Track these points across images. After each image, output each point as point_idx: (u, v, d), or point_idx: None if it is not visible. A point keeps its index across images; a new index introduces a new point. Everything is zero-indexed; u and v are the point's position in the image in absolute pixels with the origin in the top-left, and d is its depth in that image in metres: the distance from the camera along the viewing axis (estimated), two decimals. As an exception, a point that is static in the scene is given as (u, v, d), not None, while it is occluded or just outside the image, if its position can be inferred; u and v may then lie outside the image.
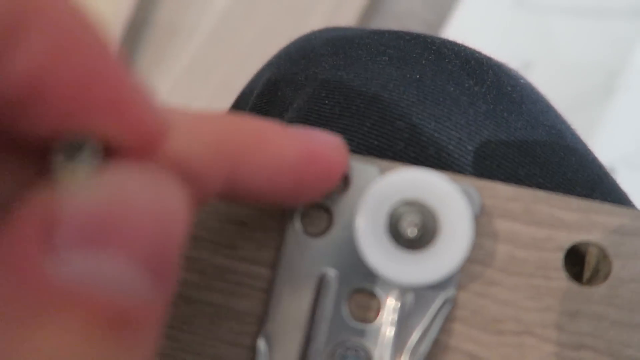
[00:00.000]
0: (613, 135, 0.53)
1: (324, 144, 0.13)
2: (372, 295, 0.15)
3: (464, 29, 0.61)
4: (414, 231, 0.14)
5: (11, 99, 0.08)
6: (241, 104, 0.26)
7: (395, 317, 0.15)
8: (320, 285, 0.15)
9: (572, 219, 0.15)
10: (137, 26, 0.69)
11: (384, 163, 0.16)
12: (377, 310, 0.15)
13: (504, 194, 0.16)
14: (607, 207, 0.15)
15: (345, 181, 0.16)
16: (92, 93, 0.08)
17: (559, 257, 0.15)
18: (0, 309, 0.07)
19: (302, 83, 0.22)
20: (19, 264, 0.07)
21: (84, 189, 0.08)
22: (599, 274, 0.16)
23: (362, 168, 0.16)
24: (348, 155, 0.14)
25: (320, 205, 0.16)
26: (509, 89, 0.21)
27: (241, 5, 0.69)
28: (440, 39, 0.23)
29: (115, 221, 0.08)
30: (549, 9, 0.59)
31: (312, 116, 0.21)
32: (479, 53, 0.23)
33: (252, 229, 0.16)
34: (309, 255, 0.15)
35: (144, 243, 0.08)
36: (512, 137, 0.20)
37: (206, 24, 0.69)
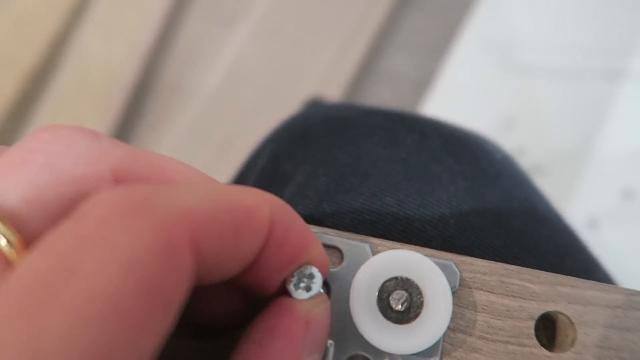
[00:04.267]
0: (595, 189, 0.56)
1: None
2: (366, 361, 0.17)
3: (451, 88, 0.64)
4: (401, 305, 0.16)
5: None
6: (247, 175, 0.28)
7: (387, 382, 0.16)
8: (320, 352, 0.17)
9: (540, 290, 0.17)
10: (141, 87, 0.73)
11: (375, 240, 0.18)
12: (371, 376, 0.17)
13: (481, 268, 0.18)
14: (571, 279, 0.17)
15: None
16: (296, 259, 0.14)
17: (531, 325, 0.17)
18: None
19: (301, 160, 0.24)
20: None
21: (314, 308, 0.15)
22: (567, 339, 0.17)
23: (355, 245, 0.18)
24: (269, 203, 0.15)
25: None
26: (485, 165, 0.24)
27: (241, 68, 0.73)
28: (424, 118, 0.26)
29: (326, 330, 0.15)
30: (531, 71, 0.63)
31: (310, 192, 0.23)
32: (459, 131, 0.25)
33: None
34: (309, 325, 0.17)
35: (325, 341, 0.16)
36: (489, 210, 0.22)
37: (208, 85, 0.72)
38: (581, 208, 0.52)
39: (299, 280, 0.15)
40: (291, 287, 0.15)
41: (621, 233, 0.52)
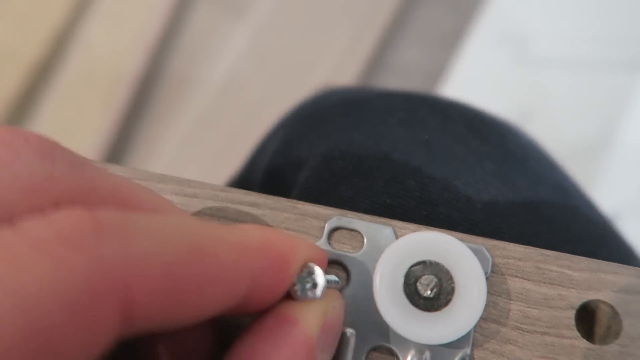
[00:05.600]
0: (615, 183, 0.54)
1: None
2: (390, 352, 0.16)
3: (465, 81, 0.63)
4: (430, 291, 0.15)
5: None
6: (257, 161, 0.27)
7: (414, 376, 0.15)
8: (339, 343, 0.16)
9: (581, 277, 0.16)
10: (147, 80, 0.72)
11: (398, 223, 0.17)
12: (396, 369, 0.15)
13: (515, 253, 0.16)
14: (614, 266, 0.16)
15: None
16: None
17: (571, 315, 0.16)
18: None
19: (316, 143, 0.23)
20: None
21: (327, 308, 0.14)
22: (610, 331, 0.16)
23: (377, 228, 0.17)
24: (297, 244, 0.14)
25: (338, 263, 0.16)
26: (513, 147, 0.22)
27: (249, 59, 0.72)
28: (445, 99, 0.24)
29: (338, 330, 0.14)
30: (547, 62, 0.62)
31: (325, 174, 0.21)
32: (483, 113, 0.24)
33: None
34: (327, 314, 0.16)
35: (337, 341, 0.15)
36: (518, 195, 0.20)
37: (215, 78, 0.71)
38: (601, 202, 0.51)
39: (303, 286, 0.13)
40: (298, 295, 0.13)
41: (643, 228, 0.50)
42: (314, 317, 0.13)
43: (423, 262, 0.15)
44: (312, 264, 0.14)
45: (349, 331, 0.16)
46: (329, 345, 0.14)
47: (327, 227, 0.17)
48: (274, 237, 0.13)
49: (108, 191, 0.11)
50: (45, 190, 0.11)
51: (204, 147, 0.69)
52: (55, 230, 0.09)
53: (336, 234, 0.17)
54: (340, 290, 0.16)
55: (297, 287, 0.13)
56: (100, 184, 0.11)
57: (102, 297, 0.09)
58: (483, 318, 0.16)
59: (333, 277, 0.15)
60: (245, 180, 0.27)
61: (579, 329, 0.16)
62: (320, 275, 0.13)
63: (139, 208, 0.12)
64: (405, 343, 0.15)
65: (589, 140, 0.57)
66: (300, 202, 0.17)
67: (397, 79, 0.67)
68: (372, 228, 0.17)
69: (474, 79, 0.63)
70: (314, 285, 0.13)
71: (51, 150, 0.11)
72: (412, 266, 0.15)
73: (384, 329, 0.15)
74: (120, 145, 0.71)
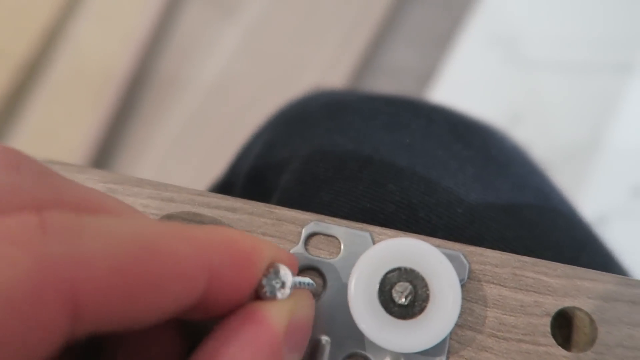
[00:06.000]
0: (604, 186, 0.55)
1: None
2: (365, 360, 0.15)
3: (455, 83, 0.63)
4: (405, 299, 0.15)
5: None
6: (240, 164, 0.26)
7: (388, 383, 0.15)
8: (314, 351, 0.15)
9: (557, 284, 0.16)
10: (137, 79, 0.71)
11: (376, 229, 0.17)
12: (370, 377, 0.15)
13: (492, 260, 0.16)
14: (591, 272, 0.16)
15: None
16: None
17: (547, 322, 0.15)
18: None
19: (298, 146, 0.23)
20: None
21: (295, 308, 0.13)
22: (587, 338, 0.16)
23: (354, 234, 0.16)
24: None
25: (314, 269, 0.16)
26: (496, 152, 0.22)
27: (240, 60, 0.71)
28: (429, 103, 0.24)
29: (307, 330, 0.14)
30: (538, 64, 0.62)
31: (307, 178, 0.21)
32: (467, 117, 0.24)
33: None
34: (303, 321, 0.16)
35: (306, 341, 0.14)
36: (500, 199, 0.20)
37: (205, 78, 0.71)
38: (589, 205, 0.51)
39: (271, 287, 0.13)
40: (267, 296, 0.13)
41: (631, 230, 0.50)
42: (280, 315, 0.13)
43: (399, 269, 0.15)
44: (278, 264, 0.13)
45: (324, 338, 0.15)
46: (297, 345, 0.13)
47: (304, 232, 0.17)
48: (235, 236, 0.12)
49: (75, 202, 0.11)
50: (9, 201, 0.10)
51: (194, 148, 0.69)
52: (1, 231, 0.09)
53: (313, 240, 0.17)
54: (317, 295, 0.16)
55: (266, 289, 0.13)
56: (67, 194, 0.11)
57: (47, 297, 0.09)
58: (459, 325, 0.15)
59: (307, 280, 0.15)
60: (227, 184, 0.27)
61: (555, 336, 0.16)
62: (287, 274, 0.13)
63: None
64: (381, 351, 0.15)
65: (578, 142, 0.57)
66: (278, 207, 0.17)
67: (388, 80, 0.67)
68: (349, 234, 0.16)
69: (465, 81, 0.63)
70: (282, 285, 0.13)
71: (16, 160, 0.11)
72: (387, 273, 0.15)
73: (359, 336, 0.15)
74: (108, 145, 0.70)
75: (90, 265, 0.09)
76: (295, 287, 0.14)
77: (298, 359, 0.14)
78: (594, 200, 0.53)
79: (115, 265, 0.10)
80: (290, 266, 0.14)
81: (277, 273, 0.13)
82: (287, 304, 0.13)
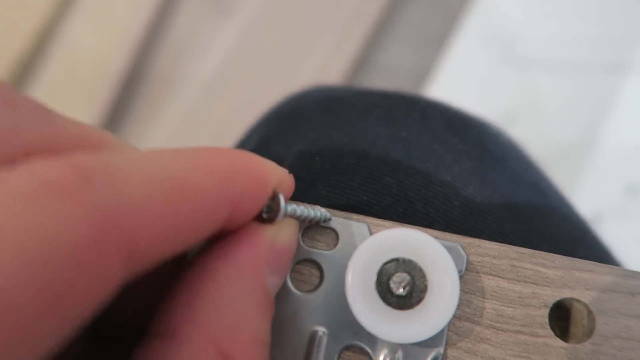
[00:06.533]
0: (598, 185, 0.55)
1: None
2: (362, 351, 0.15)
3: (450, 81, 0.63)
4: (403, 289, 0.14)
5: None
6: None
7: (386, 375, 0.15)
8: (311, 342, 0.15)
9: (555, 275, 0.16)
10: (131, 77, 0.71)
11: (373, 220, 0.17)
12: (368, 368, 0.15)
13: (490, 251, 0.16)
14: (589, 264, 0.16)
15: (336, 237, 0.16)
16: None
17: (545, 314, 0.15)
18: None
19: (293, 141, 0.23)
20: (255, 278, 0.12)
21: (279, 233, 0.14)
22: (585, 329, 0.16)
23: (352, 225, 0.16)
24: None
25: (311, 261, 0.16)
26: (492, 146, 0.22)
27: (235, 58, 0.71)
28: (425, 98, 0.24)
29: (289, 256, 0.14)
30: (533, 64, 0.62)
31: (302, 172, 0.21)
32: (462, 112, 0.24)
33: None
34: (299, 313, 0.15)
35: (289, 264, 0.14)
36: (496, 193, 0.20)
37: (200, 77, 0.71)
38: (584, 204, 0.51)
39: (269, 208, 0.14)
40: (262, 218, 0.14)
41: (625, 229, 0.50)
42: (266, 236, 0.13)
43: (396, 260, 0.15)
44: (278, 192, 0.14)
45: (322, 330, 0.15)
46: (279, 269, 0.14)
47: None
48: (253, 162, 0.13)
49: (75, 137, 0.11)
50: (11, 140, 0.10)
51: (189, 146, 0.69)
52: (38, 181, 0.09)
53: (310, 231, 0.16)
54: (314, 286, 0.16)
55: (264, 213, 0.14)
56: (67, 130, 0.11)
57: (106, 247, 0.09)
58: (457, 317, 0.15)
59: (300, 207, 0.15)
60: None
61: (553, 328, 0.16)
62: (281, 200, 0.14)
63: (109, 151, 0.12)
64: (378, 342, 0.15)
65: (572, 141, 0.58)
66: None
67: (383, 79, 0.67)
68: (346, 225, 0.16)
69: (460, 80, 0.63)
70: (276, 208, 0.14)
71: (11, 97, 0.10)
72: (385, 264, 0.15)
73: (357, 328, 0.15)
74: (103, 144, 0.70)
75: (140, 213, 0.10)
76: (287, 214, 0.14)
77: (278, 283, 0.14)
78: (588, 199, 0.53)
79: (159, 210, 0.10)
80: (290, 188, 0.15)
81: (274, 199, 0.14)
82: (272, 228, 0.14)
